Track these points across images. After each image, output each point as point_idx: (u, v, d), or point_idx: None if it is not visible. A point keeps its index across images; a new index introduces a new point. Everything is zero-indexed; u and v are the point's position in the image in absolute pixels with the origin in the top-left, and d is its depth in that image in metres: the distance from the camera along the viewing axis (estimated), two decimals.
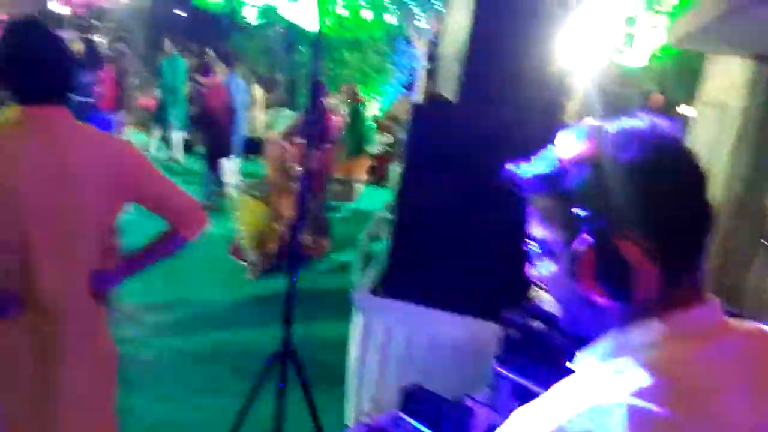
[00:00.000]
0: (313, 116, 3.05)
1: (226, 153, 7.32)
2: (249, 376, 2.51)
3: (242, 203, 5.44)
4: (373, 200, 7.99)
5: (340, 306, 3.89)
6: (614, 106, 8.15)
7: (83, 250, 1.74)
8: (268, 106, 11.68)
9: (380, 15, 11.40)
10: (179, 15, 19.87)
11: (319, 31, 2.70)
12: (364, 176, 9.20)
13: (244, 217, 5.37)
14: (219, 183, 7.31)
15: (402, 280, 2.78)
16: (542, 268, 0.84)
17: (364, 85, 12.47)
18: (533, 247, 0.85)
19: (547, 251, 0.82)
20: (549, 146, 0.83)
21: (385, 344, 2.78)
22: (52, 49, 1.68)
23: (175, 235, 1.87)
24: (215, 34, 13.73)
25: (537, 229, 0.83)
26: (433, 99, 2.98)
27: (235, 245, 5.47)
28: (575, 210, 0.76)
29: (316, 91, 3.14)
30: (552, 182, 0.79)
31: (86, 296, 1.77)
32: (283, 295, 2.48)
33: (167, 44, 9.17)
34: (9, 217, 1.61)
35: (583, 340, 0.85)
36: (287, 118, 11.13)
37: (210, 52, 8.72)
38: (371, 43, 12.34)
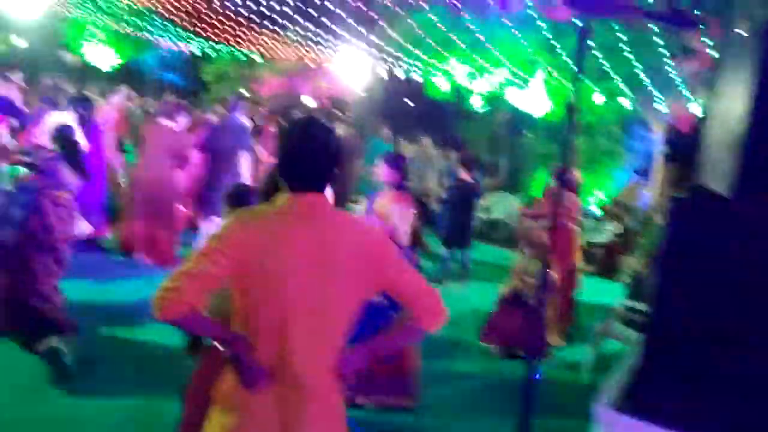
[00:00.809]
0: (558, 198, 2.92)
1: (467, 237, 7.53)
2: None
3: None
4: (597, 292, 7.39)
5: (569, 404, 3.54)
6: None
7: (333, 330, 1.79)
8: (491, 190, 11.78)
9: (613, 99, 10.98)
10: (409, 104, 21.51)
11: (569, 116, 2.58)
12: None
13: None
14: (452, 264, 7.52)
15: (656, 398, 2.40)
16: None
17: (592, 170, 11.95)
18: None
19: None
20: None
21: None
22: (328, 143, 1.80)
23: (417, 326, 1.87)
24: (443, 122, 14.43)
25: None
26: (697, 192, 2.63)
27: (484, 328, 5.47)
28: None
29: (563, 175, 3.03)
30: None
31: (331, 375, 1.81)
32: (521, 384, 2.28)
33: (385, 131, 9.97)
34: (270, 293, 1.70)
35: None
36: (509, 202, 11.08)
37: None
38: (602, 127, 11.87)
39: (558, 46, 9.81)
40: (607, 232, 9.84)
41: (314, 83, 19.27)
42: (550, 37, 9.77)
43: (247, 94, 18.21)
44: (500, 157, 13.55)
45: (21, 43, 18.20)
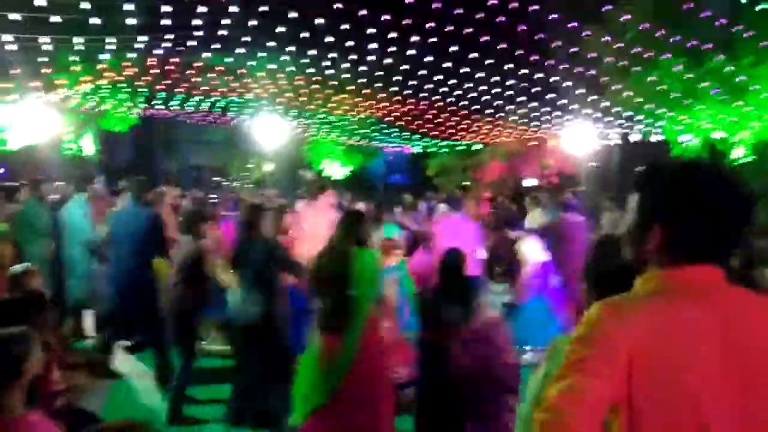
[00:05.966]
0: None
1: None
2: None
3: None
4: None
5: None
6: None
7: None
8: None
9: None
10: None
11: None
12: None
13: None
14: None
15: None
16: None
17: None
18: None
19: None
20: None
21: None
22: (737, 196, 1.39)
23: None
24: None
25: None
26: None
27: None
28: None
29: None
30: None
31: None
32: None
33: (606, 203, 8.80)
34: (671, 412, 1.30)
35: None
36: None
37: None
38: None
39: None
40: None
41: (539, 162, 18.70)
42: None
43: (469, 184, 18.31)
44: None
45: (270, 167, 20.69)
